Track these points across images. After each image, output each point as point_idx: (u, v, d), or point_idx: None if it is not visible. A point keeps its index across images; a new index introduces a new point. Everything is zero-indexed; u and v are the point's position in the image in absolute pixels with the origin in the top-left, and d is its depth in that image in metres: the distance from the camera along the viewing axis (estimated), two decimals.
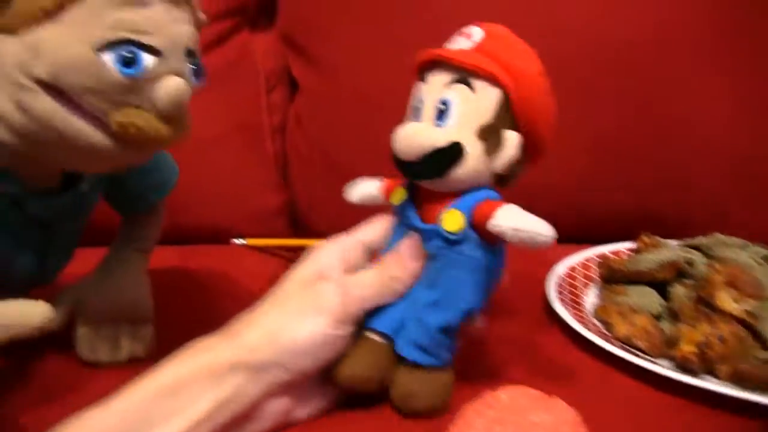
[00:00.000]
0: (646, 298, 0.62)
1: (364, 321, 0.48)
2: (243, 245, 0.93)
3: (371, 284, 0.47)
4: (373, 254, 0.51)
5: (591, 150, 0.84)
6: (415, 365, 0.47)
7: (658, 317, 0.60)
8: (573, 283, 0.69)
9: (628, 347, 0.55)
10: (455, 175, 0.44)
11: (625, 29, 0.83)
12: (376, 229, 0.52)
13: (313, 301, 0.46)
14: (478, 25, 0.47)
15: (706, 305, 0.57)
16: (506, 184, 0.48)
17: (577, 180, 0.85)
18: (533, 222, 0.42)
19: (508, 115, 0.45)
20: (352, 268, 0.49)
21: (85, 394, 0.42)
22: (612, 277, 0.67)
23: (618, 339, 0.57)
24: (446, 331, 0.47)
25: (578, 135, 0.83)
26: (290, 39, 0.96)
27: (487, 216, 0.44)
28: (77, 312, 0.56)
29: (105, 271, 0.60)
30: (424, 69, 0.47)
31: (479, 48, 0.46)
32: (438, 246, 0.46)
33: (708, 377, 0.52)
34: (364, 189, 0.54)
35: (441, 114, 0.45)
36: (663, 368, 0.51)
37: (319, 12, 0.92)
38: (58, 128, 0.41)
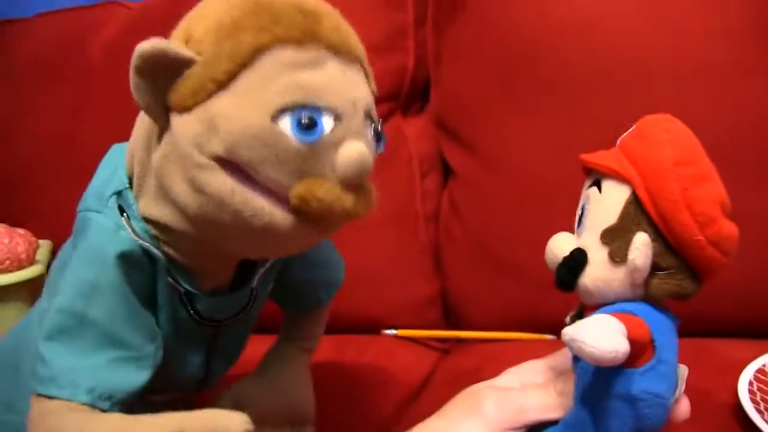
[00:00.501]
0: None
1: None
2: (394, 336, 0.92)
3: (533, 396, 0.45)
4: None
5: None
6: None
7: None
8: (766, 389, 0.61)
9: None
10: (582, 284, 0.41)
11: None
12: (565, 352, 0.48)
13: (469, 407, 0.45)
14: (641, 119, 0.43)
15: None
16: (657, 300, 0.41)
17: (759, 270, 0.76)
18: (597, 335, 0.35)
19: (640, 215, 0.40)
20: None
21: None
22: None
23: None
24: None
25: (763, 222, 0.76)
26: (443, 123, 0.95)
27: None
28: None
29: (268, 370, 0.59)
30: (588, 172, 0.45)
31: (622, 144, 0.42)
32: (575, 363, 0.42)
33: None
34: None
35: (579, 221, 0.43)
36: None
37: (473, 96, 0.91)
38: (235, 207, 0.39)
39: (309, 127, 0.38)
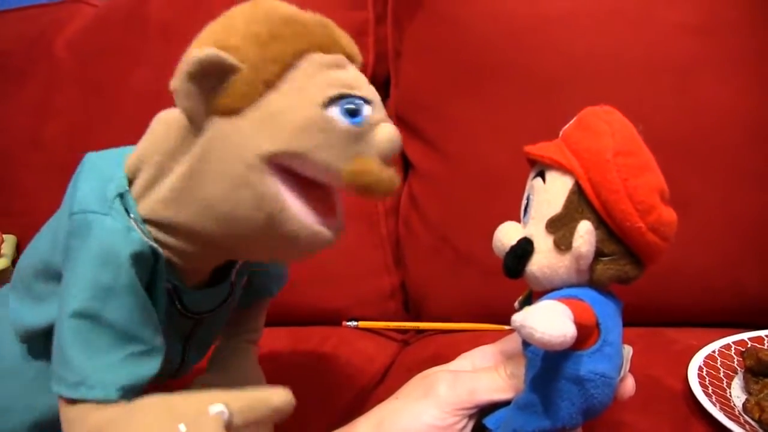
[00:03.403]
0: None
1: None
2: (355, 327, 0.93)
3: (483, 378, 0.46)
4: None
5: (731, 227, 0.79)
6: None
7: None
8: (715, 374, 0.64)
9: None
10: (530, 272, 0.42)
11: None
12: (516, 337, 0.50)
13: (422, 389, 0.46)
14: (581, 111, 0.45)
15: None
16: (601, 285, 0.42)
17: (715, 259, 0.80)
18: (545, 321, 0.36)
19: (584, 205, 0.41)
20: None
21: None
22: (762, 369, 0.61)
23: None
24: None
25: (719, 213, 0.79)
26: (403, 119, 0.97)
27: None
28: None
29: (221, 366, 0.61)
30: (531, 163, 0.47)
31: (564, 136, 0.44)
32: (525, 347, 0.44)
33: None
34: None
35: (525, 210, 0.45)
36: None
37: (432, 92, 0.93)
38: (272, 209, 0.42)
39: (354, 113, 0.43)
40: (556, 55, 0.83)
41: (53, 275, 0.47)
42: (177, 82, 0.41)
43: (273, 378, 0.61)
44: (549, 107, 0.81)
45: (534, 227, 0.43)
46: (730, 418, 0.54)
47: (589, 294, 0.41)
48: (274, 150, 0.42)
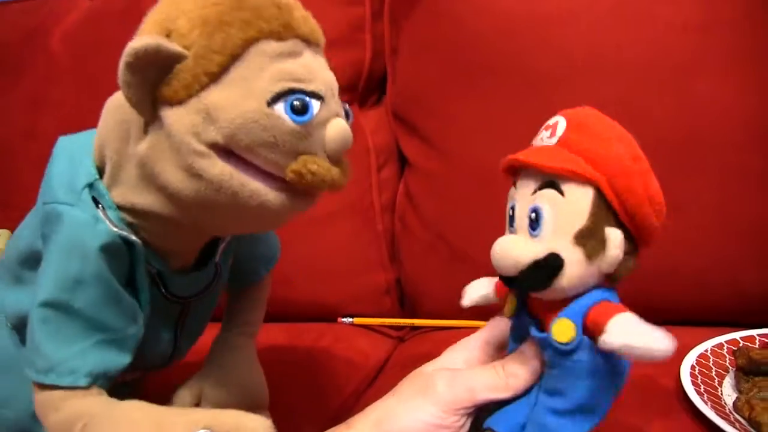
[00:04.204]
0: None
1: (482, 421, 0.46)
2: (350, 324, 0.93)
3: (485, 377, 0.45)
4: (501, 350, 0.50)
5: (728, 227, 0.80)
6: None
7: None
8: (707, 373, 0.64)
9: None
10: (559, 285, 0.41)
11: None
12: (499, 326, 0.50)
13: (421, 388, 0.45)
14: (561, 114, 0.44)
15: None
16: (617, 281, 0.43)
17: (713, 259, 0.80)
18: (647, 336, 0.37)
19: (607, 212, 0.41)
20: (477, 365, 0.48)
21: None
22: (752, 368, 0.62)
23: None
24: None
25: (716, 213, 0.79)
26: (400, 115, 0.97)
27: (600, 329, 0.40)
28: (199, 405, 0.57)
29: (220, 360, 0.61)
30: (513, 171, 0.45)
31: (563, 142, 0.42)
32: (552, 355, 0.43)
33: None
34: (478, 291, 0.51)
35: (534, 223, 0.42)
36: None
37: (429, 89, 0.93)
38: (233, 190, 0.41)
39: (301, 110, 0.41)
40: (554, 52, 0.83)
41: (37, 261, 0.48)
42: (119, 73, 0.40)
43: (269, 374, 0.61)
44: (546, 105, 0.78)
45: (556, 241, 0.41)
46: (720, 416, 0.55)
47: (611, 294, 0.42)
48: (221, 142, 0.40)
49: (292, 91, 0.41)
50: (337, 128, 0.43)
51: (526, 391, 0.45)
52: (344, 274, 0.96)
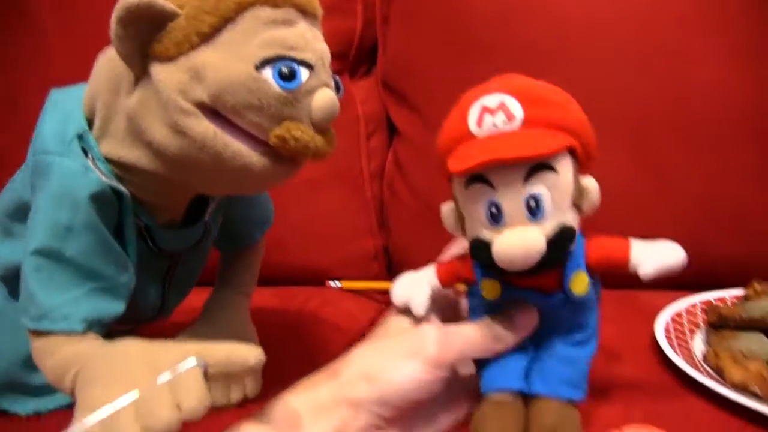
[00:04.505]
0: (759, 343, 0.60)
1: (481, 385, 0.47)
2: (338, 288, 0.95)
3: (473, 338, 0.46)
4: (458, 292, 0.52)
5: (697, 198, 0.82)
6: (559, 402, 0.45)
7: None
8: (680, 329, 0.67)
9: (742, 393, 0.53)
10: (569, 250, 0.43)
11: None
12: (458, 253, 0.52)
13: (411, 346, 0.46)
14: (499, 92, 0.42)
15: None
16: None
17: (683, 227, 0.82)
18: (666, 252, 0.43)
19: (578, 164, 0.43)
20: (443, 298, 0.51)
21: None
22: (722, 323, 0.65)
23: (732, 385, 0.55)
24: (589, 363, 0.47)
25: (686, 184, 0.81)
26: (389, 85, 0.98)
27: (624, 263, 0.43)
28: None
29: (213, 316, 0.61)
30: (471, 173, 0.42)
31: (529, 122, 0.41)
32: (563, 304, 0.45)
33: None
34: (418, 299, 0.49)
35: (534, 210, 0.40)
36: None
37: (418, 58, 0.93)
38: (216, 149, 0.42)
39: (289, 76, 0.42)
40: (546, 23, 0.84)
41: (27, 213, 0.48)
42: (111, 26, 0.40)
43: (258, 336, 0.62)
44: (536, 76, 0.82)
45: (559, 215, 0.41)
46: (690, 366, 0.57)
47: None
48: (207, 101, 0.41)
49: (281, 58, 0.42)
50: (324, 97, 0.43)
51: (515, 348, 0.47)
52: (333, 240, 0.97)
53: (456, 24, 0.89)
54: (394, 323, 0.49)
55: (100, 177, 0.46)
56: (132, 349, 0.42)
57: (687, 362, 0.58)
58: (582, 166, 0.43)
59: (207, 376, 0.38)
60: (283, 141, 0.43)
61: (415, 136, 0.95)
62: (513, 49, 0.86)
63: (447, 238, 0.89)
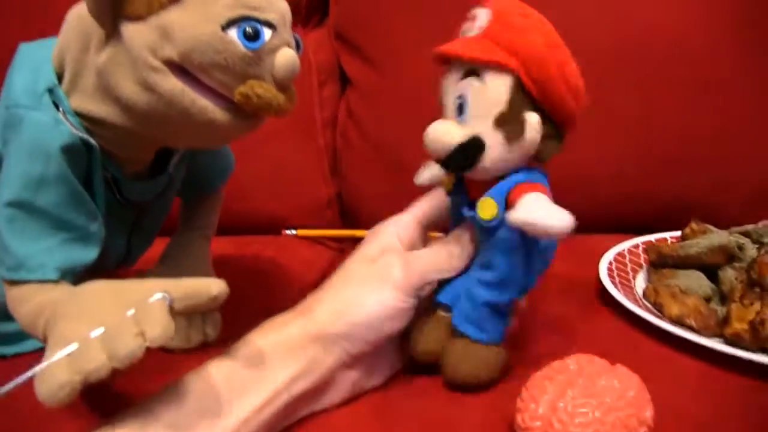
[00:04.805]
0: (696, 281, 0.64)
1: (432, 297, 0.51)
2: (294, 236, 0.96)
3: (432, 259, 0.50)
4: (428, 229, 0.54)
5: (645, 141, 0.85)
6: (464, 337, 0.49)
7: (708, 300, 0.62)
8: (623, 268, 0.71)
9: (680, 326, 0.57)
10: (482, 166, 0.45)
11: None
12: (429, 205, 0.54)
13: (377, 274, 0.48)
14: (484, 5, 0.47)
15: (756, 286, 0.58)
16: (542, 161, 0.47)
17: (624, 171, 0.86)
18: (546, 215, 0.42)
19: (524, 98, 0.44)
20: (411, 245, 0.52)
21: (162, 378, 0.44)
22: (661, 261, 0.68)
23: (670, 319, 0.58)
24: (492, 307, 0.48)
25: (634, 128, 0.84)
26: (342, 35, 0.98)
27: (512, 204, 0.45)
28: None
29: (174, 258, 0.63)
30: (444, 63, 0.48)
31: (486, 33, 0.45)
32: (481, 232, 0.48)
33: (760, 354, 0.53)
34: (432, 171, 0.54)
35: (460, 109, 0.46)
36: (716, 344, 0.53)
37: (370, 9, 0.94)
38: (184, 105, 0.43)
39: (253, 36, 0.43)
40: None
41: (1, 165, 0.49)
42: None
43: None
44: None
45: (479, 125, 0.45)
46: (631, 302, 0.61)
47: (536, 175, 0.46)
48: (176, 59, 0.43)
49: (246, 18, 0.43)
50: (286, 56, 0.45)
51: (466, 268, 0.50)
52: (287, 188, 0.98)
53: None
54: (356, 257, 0.51)
55: (71, 129, 0.47)
56: (100, 288, 0.44)
57: (628, 298, 0.61)
58: (534, 101, 0.44)
59: (173, 310, 0.40)
60: (246, 98, 0.44)
61: (368, 86, 0.96)
62: None
63: (397, 182, 0.91)
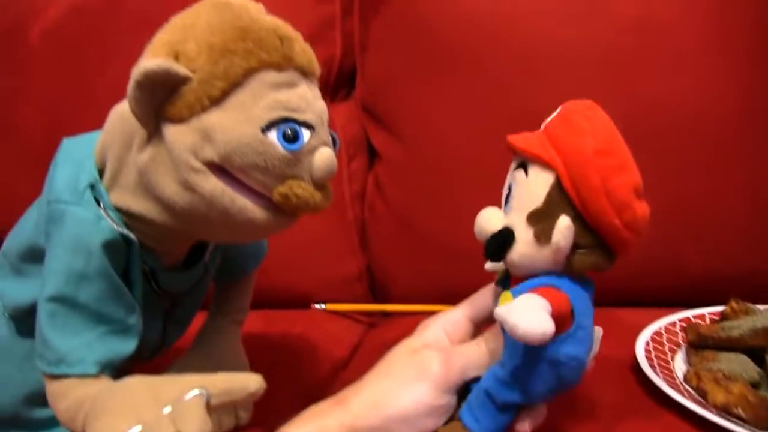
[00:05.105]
0: (742, 365, 0.60)
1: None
2: (323, 310, 0.95)
3: (472, 355, 0.48)
4: (480, 325, 0.52)
5: (674, 214, 0.83)
6: (458, 421, 0.47)
7: (755, 386, 0.58)
8: (660, 348, 0.68)
9: (725, 416, 0.54)
10: (510, 258, 0.44)
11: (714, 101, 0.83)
12: (481, 300, 0.52)
13: (416, 368, 0.47)
14: (562, 105, 0.46)
15: None
16: (573, 271, 0.44)
17: (660, 244, 0.83)
18: (519, 315, 0.39)
19: (563, 200, 0.43)
20: (460, 341, 0.50)
21: None
22: (701, 343, 0.65)
23: (715, 407, 0.55)
24: (491, 399, 0.46)
25: (662, 200, 0.82)
26: (368, 108, 0.99)
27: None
28: None
29: (206, 344, 0.63)
30: (511, 152, 0.48)
31: (546, 128, 0.45)
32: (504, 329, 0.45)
33: None
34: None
35: (506, 199, 0.46)
36: None
37: (396, 83, 0.95)
38: (224, 205, 0.44)
39: (293, 138, 0.44)
40: (512, 49, 0.86)
41: (37, 255, 0.50)
42: (129, 88, 0.42)
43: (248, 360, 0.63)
44: (505, 98, 0.85)
45: (515, 217, 0.44)
46: (671, 387, 0.57)
47: (565, 282, 0.44)
48: (216, 161, 0.43)
49: (285, 120, 0.44)
50: (324, 157, 0.46)
51: None
52: (316, 262, 0.98)
53: (430, 49, 0.91)
54: (398, 349, 0.50)
55: (112, 225, 0.47)
56: (137, 383, 0.44)
57: (668, 383, 0.58)
58: (575, 207, 0.43)
59: (209, 406, 0.40)
60: (285, 198, 0.45)
61: (395, 158, 0.96)
62: (483, 72, 0.88)
63: (426, 256, 0.91)
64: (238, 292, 0.67)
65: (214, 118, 0.43)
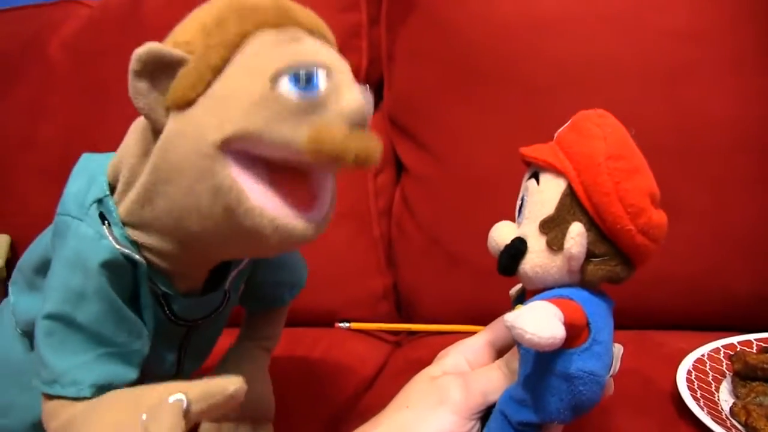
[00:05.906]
0: None
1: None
2: (347, 329, 0.94)
3: (492, 377, 0.46)
4: (502, 351, 0.50)
5: (720, 232, 0.80)
6: None
7: None
8: (703, 378, 0.64)
9: None
10: (522, 271, 0.43)
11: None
12: (499, 327, 0.50)
13: (436, 396, 0.46)
14: (576, 114, 0.45)
15: None
16: (588, 283, 0.43)
17: (705, 263, 0.81)
18: (528, 320, 0.37)
19: (575, 206, 0.42)
20: (479, 367, 0.48)
21: None
22: (749, 373, 0.62)
23: None
24: (505, 419, 0.44)
25: (708, 218, 0.80)
26: (396, 121, 0.98)
27: None
28: None
29: (231, 368, 0.61)
30: (525, 163, 0.47)
31: (558, 137, 0.45)
32: (518, 343, 0.44)
33: None
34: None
35: (519, 210, 0.45)
36: None
37: (424, 95, 0.93)
38: (229, 202, 0.41)
39: (306, 81, 0.40)
40: (546, 59, 0.84)
41: (48, 268, 0.48)
42: (129, 82, 0.41)
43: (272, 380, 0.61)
44: (538, 111, 0.82)
45: (528, 227, 0.43)
46: (717, 422, 0.55)
47: (580, 294, 0.42)
48: (226, 135, 0.40)
49: (293, 66, 0.40)
50: (353, 94, 0.41)
51: None
52: (341, 279, 0.96)
53: (460, 60, 0.89)
54: (417, 378, 0.49)
55: (113, 245, 0.45)
56: (118, 396, 0.43)
57: (713, 417, 0.56)
58: (587, 214, 0.41)
59: (189, 412, 0.38)
60: (318, 142, 0.40)
61: (422, 172, 0.94)
62: (516, 84, 0.86)
63: (455, 275, 0.88)
64: (270, 321, 0.65)
65: (220, 87, 0.41)
